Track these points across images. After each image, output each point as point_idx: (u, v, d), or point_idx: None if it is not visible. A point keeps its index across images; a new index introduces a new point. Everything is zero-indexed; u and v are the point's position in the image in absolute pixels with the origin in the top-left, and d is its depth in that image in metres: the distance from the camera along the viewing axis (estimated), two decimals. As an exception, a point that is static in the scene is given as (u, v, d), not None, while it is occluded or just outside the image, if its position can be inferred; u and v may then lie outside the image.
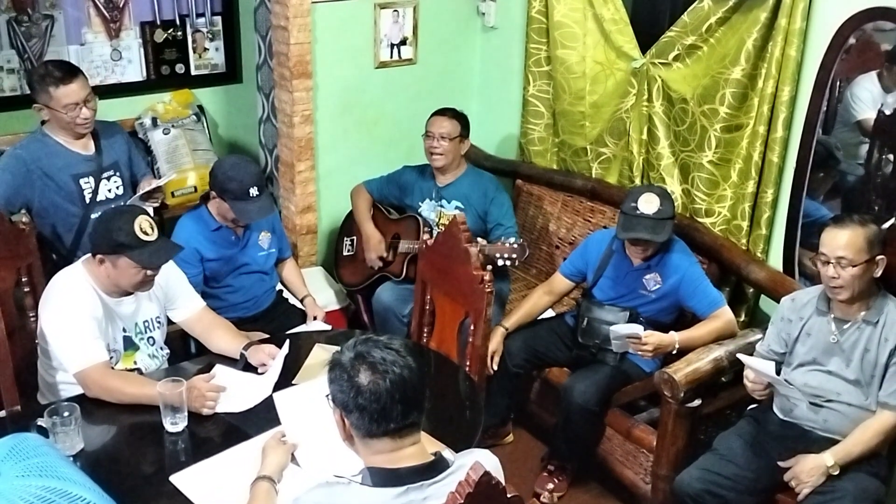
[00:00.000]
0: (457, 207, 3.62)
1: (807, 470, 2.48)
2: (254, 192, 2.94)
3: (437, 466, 1.67)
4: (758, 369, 2.60)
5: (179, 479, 2.11)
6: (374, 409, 1.63)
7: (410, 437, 1.67)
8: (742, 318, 3.26)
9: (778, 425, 2.65)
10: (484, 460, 1.66)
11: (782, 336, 2.70)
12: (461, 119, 3.63)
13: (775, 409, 2.69)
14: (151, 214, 2.55)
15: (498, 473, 1.67)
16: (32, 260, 2.83)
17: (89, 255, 2.50)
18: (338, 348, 2.62)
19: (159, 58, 4.20)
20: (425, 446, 1.72)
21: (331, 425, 2.10)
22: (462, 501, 1.46)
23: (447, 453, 1.74)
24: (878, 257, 2.49)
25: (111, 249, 2.41)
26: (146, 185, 3.16)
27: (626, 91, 3.61)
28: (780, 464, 2.55)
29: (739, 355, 2.64)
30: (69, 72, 2.97)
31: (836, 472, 2.47)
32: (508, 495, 1.53)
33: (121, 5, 4.02)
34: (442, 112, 3.63)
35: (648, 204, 2.96)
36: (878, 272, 2.51)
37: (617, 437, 3.13)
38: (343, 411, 1.67)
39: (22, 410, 2.43)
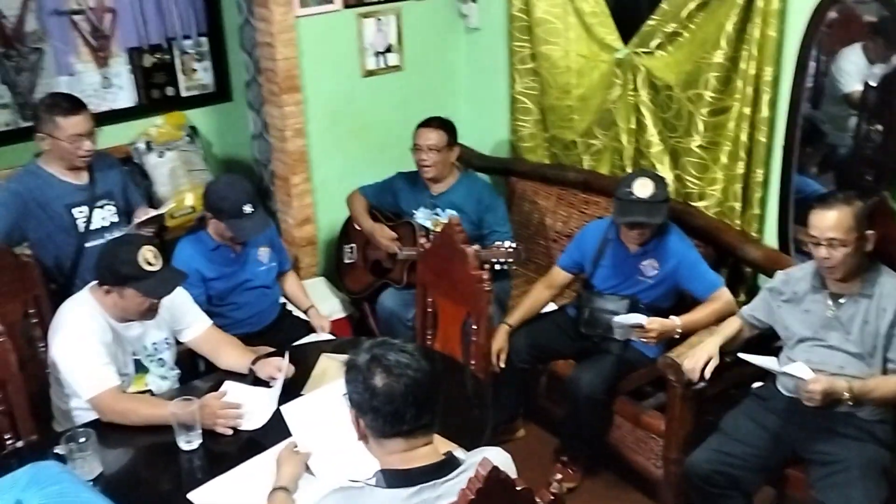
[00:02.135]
0: (452, 216, 3.64)
1: (821, 383, 2.45)
2: (247, 209, 2.97)
3: (448, 465, 1.71)
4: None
5: (197, 496, 2.15)
6: (388, 410, 1.67)
7: (423, 438, 1.71)
8: (741, 298, 3.29)
9: (783, 402, 2.68)
10: (494, 457, 1.70)
11: (768, 305, 2.75)
12: (447, 127, 3.64)
13: (779, 387, 2.72)
14: (153, 241, 2.59)
15: (509, 469, 1.71)
16: (38, 291, 2.88)
17: (95, 282, 2.54)
18: (345, 357, 2.68)
19: (149, 82, 4.26)
20: (437, 447, 1.76)
21: (341, 431, 2.16)
22: (473, 497, 1.49)
23: (458, 452, 1.78)
24: (868, 232, 2.51)
25: (117, 281, 2.46)
26: (142, 214, 3.18)
27: (611, 82, 3.64)
28: (810, 380, 2.47)
29: (741, 354, 2.65)
30: (77, 104, 3.04)
31: (848, 400, 2.46)
32: (518, 488, 1.57)
33: (107, 33, 4.07)
34: (427, 123, 3.64)
35: (643, 188, 3.00)
36: (870, 246, 2.53)
37: (626, 425, 3.17)
38: (358, 412, 1.72)
39: (38, 439, 2.47)
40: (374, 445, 1.75)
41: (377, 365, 1.69)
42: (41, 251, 3.04)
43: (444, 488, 1.67)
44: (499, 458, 1.74)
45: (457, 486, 1.61)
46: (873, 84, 3.09)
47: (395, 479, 1.69)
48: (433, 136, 3.59)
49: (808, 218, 2.55)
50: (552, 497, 1.59)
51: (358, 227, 3.87)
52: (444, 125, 3.63)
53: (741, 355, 2.65)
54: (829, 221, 2.48)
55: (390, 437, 1.70)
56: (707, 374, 2.77)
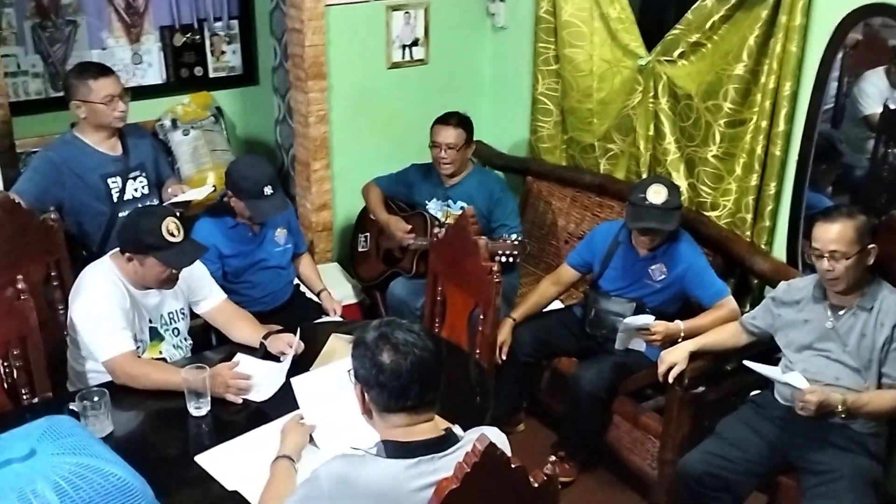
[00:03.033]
0: (462, 208, 3.70)
1: (817, 394, 2.48)
2: (268, 190, 3.04)
3: (447, 441, 1.77)
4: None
5: (204, 459, 2.22)
6: (394, 386, 1.74)
7: (425, 414, 1.78)
8: (746, 308, 3.33)
9: (778, 410, 2.73)
10: (491, 435, 1.76)
11: (770, 313, 2.79)
12: (466, 125, 3.69)
13: (776, 395, 2.76)
14: (178, 216, 2.66)
15: (504, 449, 1.77)
16: (60, 255, 2.96)
17: (117, 249, 2.62)
18: (352, 338, 2.74)
19: (178, 61, 4.33)
20: (438, 423, 1.82)
21: (346, 407, 2.22)
22: (469, 470, 1.56)
23: (457, 430, 1.84)
24: (870, 246, 2.55)
25: (139, 249, 2.53)
26: (179, 193, 3.24)
27: (632, 88, 3.69)
28: (806, 390, 2.51)
29: (746, 362, 2.68)
30: (105, 67, 3.15)
31: (841, 413, 2.49)
32: (513, 466, 1.63)
33: (141, 11, 4.15)
34: (446, 121, 3.68)
35: (657, 194, 3.05)
36: (871, 260, 2.57)
37: (624, 425, 3.22)
38: (364, 387, 1.79)
39: (53, 396, 2.54)
40: (378, 420, 1.81)
41: (385, 342, 1.76)
42: (76, 218, 3.13)
43: (441, 462, 1.73)
44: (495, 437, 1.80)
45: (454, 462, 1.67)
46: (893, 107, 3.13)
47: (395, 450, 1.76)
48: (452, 135, 3.64)
49: (811, 230, 2.60)
50: (545, 477, 1.65)
51: (373, 218, 3.94)
52: (462, 123, 3.69)
53: (746, 362, 2.68)
54: (831, 234, 2.53)
55: (394, 411, 1.77)
56: (670, 379, 2.83)
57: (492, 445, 1.58)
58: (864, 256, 2.55)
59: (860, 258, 2.54)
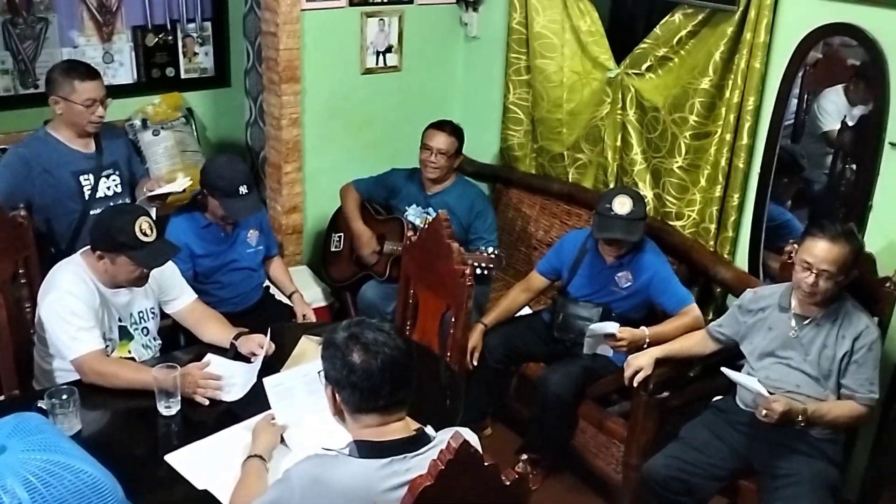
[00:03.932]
0: None
1: (781, 403, 2.52)
2: (243, 189, 3.05)
3: (419, 440, 1.80)
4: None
5: (174, 459, 2.21)
6: (366, 386, 1.75)
7: (397, 414, 1.80)
8: (710, 316, 3.41)
9: (741, 415, 2.79)
10: (464, 435, 1.78)
11: (736, 321, 2.86)
12: (458, 135, 3.74)
13: (738, 401, 2.83)
14: (152, 216, 2.66)
15: (477, 448, 1.80)
16: (29, 253, 2.93)
17: (88, 247, 2.61)
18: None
19: (150, 61, 4.31)
20: (409, 423, 1.85)
21: (316, 408, 2.24)
22: (443, 468, 1.58)
23: (429, 430, 1.87)
24: (853, 271, 2.60)
25: (111, 248, 2.52)
26: (155, 186, 3.22)
27: (601, 99, 3.76)
28: (771, 398, 2.54)
29: (723, 369, 2.72)
30: (93, 70, 3.12)
31: (801, 422, 2.54)
32: (486, 464, 1.66)
33: (113, 10, 4.13)
34: (441, 127, 3.73)
35: (622, 205, 3.11)
36: (847, 282, 2.62)
37: (590, 430, 3.27)
38: (335, 387, 1.80)
39: (20, 394, 2.52)
40: (350, 420, 1.83)
41: (355, 342, 1.77)
42: (45, 216, 3.10)
43: (414, 462, 1.75)
44: (468, 437, 1.83)
45: (426, 461, 1.69)
46: (851, 124, 3.23)
47: (367, 450, 1.77)
48: (444, 141, 3.69)
49: (804, 241, 2.60)
50: (517, 475, 1.68)
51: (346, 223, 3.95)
52: (456, 132, 3.74)
53: (724, 370, 2.72)
54: (827, 254, 2.53)
55: (366, 412, 1.78)
56: (636, 384, 2.89)
57: (466, 443, 1.61)
58: (848, 279, 2.60)
59: (843, 280, 2.59)
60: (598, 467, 3.27)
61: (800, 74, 3.13)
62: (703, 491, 2.77)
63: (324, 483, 1.74)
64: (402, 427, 1.81)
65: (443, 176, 3.75)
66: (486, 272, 3.49)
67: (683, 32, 3.37)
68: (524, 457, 1.78)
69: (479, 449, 1.79)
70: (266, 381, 2.40)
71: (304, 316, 3.38)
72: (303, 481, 1.76)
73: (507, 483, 1.69)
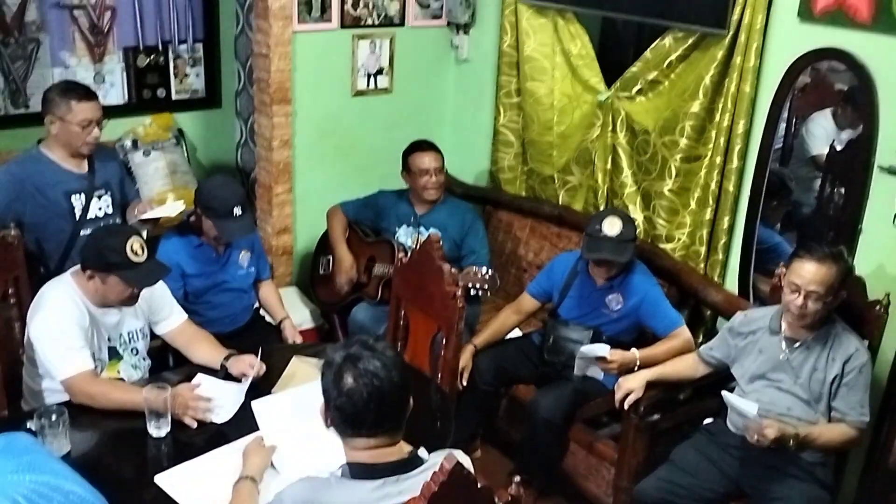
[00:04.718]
0: None
1: (775, 428, 2.52)
2: (237, 211, 3.05)
3: (412, 462, 1.79)
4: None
5: (163, 480, 2.20)
6: (350, 412, 1.75)
7: (385, 439, 1.78)
8: (700, 339, 3.42)
9: (731, 438, 2.79)
10: (457, 457, 1.78)
11: (726, 344, 2.86)
12: (440, 150, 3.79)
13: (728, 424, 2.83)
14: (144, 236, 2.65)
15: (469, 469, 1.79)
16: (19, 272, 2.91)
17: (78, 267, 2.59)
18: (314, 360, 2.74)
19: (141, 82, 4.32)
20: (402, 446, 1.84)
21: (306, 431, 2.23)
22: (436, 490, 1.57)
23: (422, 452, 1.86)
24: (842, 292, 2.62)
25: (101, 267, 2.51)
26: (147, 209, 3.21)
27: (591, 122, 3.79)
28: (764, 423, 2.54)
29: (724, 393, 2.72)
30: (90, 91, 3.13)
31: (793, 446, 2.54)
32: (479, 485, 1.65)
33: (105, 31, 4.14)
34: (428, 147, 3.76)
35: (612, 226, 3.12)
36: (836, 303, 2.63)
37: (580, 452, 3.26)
38: (326, 404, 1.80)
39: (9, 415, 2.50)
40: (340, 437, 1.82)
41: (350, 366, 1.76)
42: (35, 235, 3.08)
43: (407, 484, 1.74)
44: (461, 459, 1.82)
45: (419, 483, 1.68)
46: (839, 148, 3.26)
47: (360, 471, 1.76)
48: (437, 159, 3.74)
49: (792, 263, 2.61)
50: (510, 497, 1.68)
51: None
52: (437, 147, 3.78)
53: (724, 394, 2.71)
54: (815, 275, 2.54)
55: (350, 435, 1.78)
56: (626, 406, 2.89)
57: (459, 465, 1.60)
58: (836, 300, 2.61)
59: (832, 301, 2.60)
60: (589, 490, 3.25)
61: (788, 98, 3.16)
62: (694, 513, 2.77)
63: None
64: (395, 450, 1.80)
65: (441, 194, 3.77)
66: (480, 293, 3.49)
67: (674, 56, 3.41)
68: (517, 478, 1.77)
69: (472, 471, 1.78)
70: (254, 403, 2.39)
71: (294, 341, 3.36)
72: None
73: (501, 505, 1.69)
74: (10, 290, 2.89)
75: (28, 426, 2.23)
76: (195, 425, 2.44)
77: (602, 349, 3.07)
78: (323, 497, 1.74)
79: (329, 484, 1.77)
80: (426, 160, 3.72)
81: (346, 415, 1.76)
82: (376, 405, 1.74)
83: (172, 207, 3.21)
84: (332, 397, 1.77)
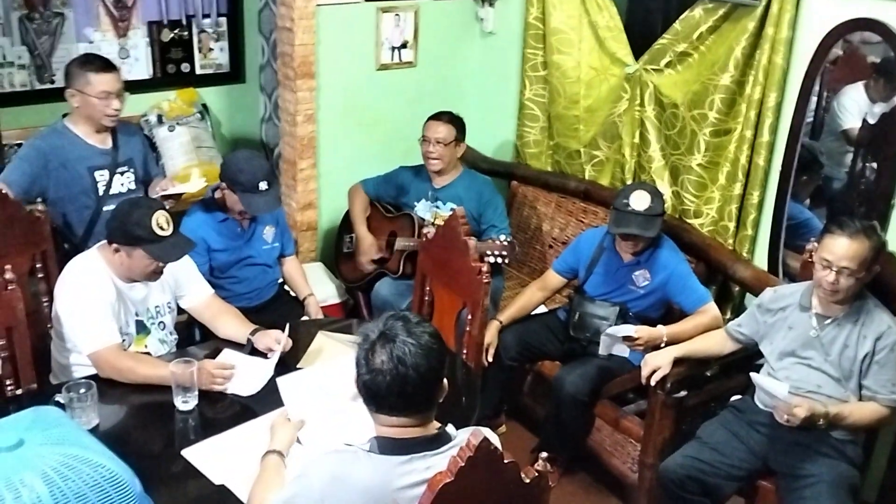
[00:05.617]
0: (452, 209, 3.72)
1: (804, 408, 2.50)
2: (263, 185, 3.04)
3: (440, 439, 1.78)
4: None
5: (191, 454, 2.21)
6: (373, 391, 1.75)
7: (412, 419, 1.76)
8: (728, 315, 3.38)
9: (759, 415, 2.76)
10: (484, 433, 1.77)
11: (755, 321, 2.83)
12: (457, 123, 3.73)
13: (756, 401, 2.80)
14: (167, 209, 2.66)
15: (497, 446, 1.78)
16: (47, 247, 2.93)
17: (104, 241, 2.60)
18: (340, 336, 2.75)
19: (165, 57, 4.31)
20: (431, 424, 1.82)
21: (331, 408, 2.24)
22: (463, 465, 1.57)
23: (450, 429, 1.85)
24: (875, 267, 2.57)
25: (127, 241, 2.52)
26: (169, 187, 3.22)
27: (619, 96, 3.73)
28: (792, 401, 2.53)
29: (752, 375, 2.69)
30: (109, 63, 3.12)
31: (823, 425, 2.52)
32: (505, 461, 1.64)
33: (129, 5, 4.13)
34: (437, 116, 3.74)
35: (640, 200, 3.08)
36: (869, 279, 2.59)
37: (606, 428, 3.25)
38: (356, 376, 1.79)
39: (38, 388, 2.52)
40: (369, 412, 1.81)
41: (381, 346, 1.74)
42: (60, 210, 3.10)
43: (434, 460, 1.73)
44: (489, 437, 1.81)
45: (446, 459, 1.67)
46: (872, 122, 3.19)
47: (386, 446, 1.76)
48: (442, 130, 3.68)
49: (823, 238, 2.57)
50: (537, 473, 1.67)
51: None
52: (454, 120, 3.73)
53: (753, 375, 2.68)
54: (847, 250, 2.50)
55: (375, 412, 1.78)
56: (653, 383, 2.87)
57: (486, 440, 1.60)
58: (868, 276, 2.56)
59: (865, 277, 2.55)
60: (614, 466, 3.25)
61: (820, 71, 3.09)
62: (721, 491, 2.74)
63: (342, 479, 1.73)
64: (423, 428, 1.79)
65: (446, 167, 3.73)
66: (500, 260, 3.47)
67: (704, 27, 3.34)
68: (544, 455, 1.76)
69: (500, 448, 1.78)
70: (280, 380, 2.40)
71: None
72: (322, 477, 1.75)
73: (527, 481, 1.68)
74: (37, 265, 2.91)
75: (56, 399, 2.25)
76: (227, 388, 2.46)
77: (627, 329, 3.04)
78: (350, 471, 1.74)
79: (356, 457, 1.77)
80: (429, 128, 3.71)
81: (370, 393, 1.75)
82: (399, 389, 1.72)
83: (194, 184, 3.21)
84: (360, 372, 1.77)
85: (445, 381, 1.81)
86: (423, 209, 3.80)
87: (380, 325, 1.77)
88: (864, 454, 2.71)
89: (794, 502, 2.58)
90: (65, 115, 3.15)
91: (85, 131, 3.10)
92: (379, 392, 1.73)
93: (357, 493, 1.72)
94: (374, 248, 3.80)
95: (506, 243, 3.44)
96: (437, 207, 3.75)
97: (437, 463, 1.72)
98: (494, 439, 1.83)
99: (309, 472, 1.79)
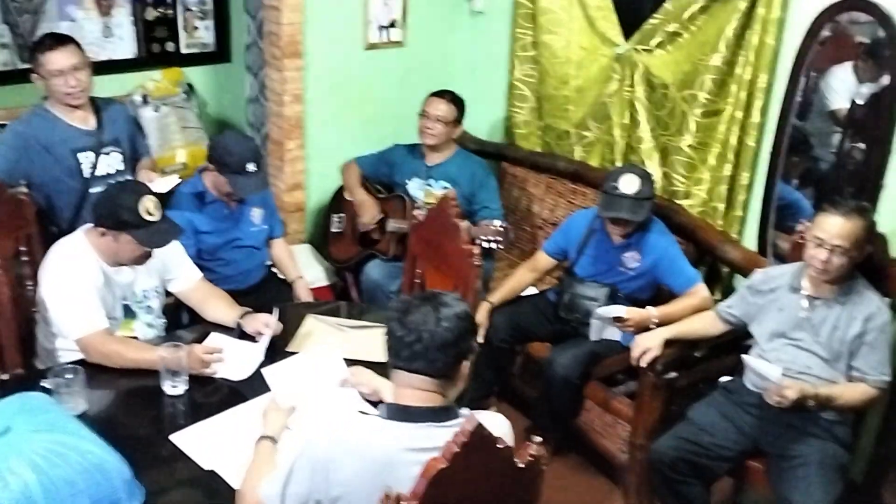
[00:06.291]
0: (444, 188, 3.71)
1: (795, 389, 2.50)
2: (251, 167, 3.01)
3: (447, 413, 1.79)
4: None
5: (179, 439, 2.20)
6: (401, 342, 1.76)
7: (422, 381, 1.77)
8: (717, 297, 3.38)
9: (749, 396, 2.77)
10: (496, 423, 1.82)
11: (746, 302, 2.83)
12: (458, 104, 3.73)
13: (746, 382, 2.81)
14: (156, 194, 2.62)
15: (508, 437, 1.79)
16: (31, 230, 2.89)
17: (91, 224, 2.57)
18: (329, 318, 2.74)
19: (150, 36, 4.25)
20: (442, 397, 1.82)
21: (319, 393, 2.22)
22: (458, 450, 1.56)
23: (464, 410, 1.84)
24: (868, 247, 2.57)
25: (114, 225, 2.48)
26: (144, 178, 3.15)
27: (609, 76, 3.71)
28: (783, 383, 2.53)
29: (744, 357, 2.70)
30: (59, 40, 3.02)
31: (813, 406, 2.53)
32: (499, 447, 1.64)
33: (113, -18, 4.07)
34: (441, 94, 3.72)
35: (629, 184, 3.07)
36: (860, 259, 2.58)
37: (596, 409, 3.25)
38: (387, 329, 1.82)
39: (24, 373, 2.50)
40: (390, 372, 1.84)
41: (421, 303, 1.78)
42: (45, 193, 3.05)
43: (438, 432, 1.73)
44: (499, 422, 1.84)
45: (449, 434, 1.67)
46: (860, 103, 3.18)
47: (395, 412, 1.78)
48: (443, 108, 3.68)
49: (816, 217, 2.57)
50: (531, 457, 1.66)
51: (348, 198, 3.92)
52: (456, 101, 3.73)
53: (745, 357, 2.69)
54: (840, 229, 2.51)
55: (392, 365, 1.81)
56: (643, 364, 2.87)
57: (481, 426, 1.59)
58: (860, 255, 2.56)
59: (857, 257, 2.55)
60: (604, 447, 3.26)
61: (811, 52, 3.08)
62: (711, 471, 2.76)
63: (348, 443, 1.74)
64: (433, 397, 1.79)
65: (441, 144, 3.72)
66: (493, 245, 3.46)
67: (695, 7, 3.32)
68: (538, 438, 1.75)
69: (511, 437, 1.79)
70: (265, 371, 2.39)
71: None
72: (329, 442, 1.76)
73: (522, 465, 1.68)
74: (22, 248, 2.87)
75: (43, 385, 2.22)
76: (217, 373, 2.45)
77: (618, 310, 3.04)
78: (357, 437, 1.75)
79: (361, 422, 1.80)
80: (430, 104, 3.71)
81: (397, 342, 1.77)
82: (425, 345, 1.74)
83: (166, 182, 3.15)
84: (392, 324, 1.79)
85: (467, 369, 1.83)
86: (415, 187, 3.78)
87: (420, 294, 1.84)
88: (852, 435, 2.72)
89: (784, 483, 2.59)
90: (45, 98, 3.09)
91: (64, 112, 3.04)
92: (405, 342, 1.75)
93: (360, 457, 1.72)
94: (376, 209, 3.78)
95: (500, 228, 3.42)
96: (430, 185, 3.74)
97: (440, 434, 1.70)
98: (507, 429, 1.83)
99: (314, 437, 1.80)
